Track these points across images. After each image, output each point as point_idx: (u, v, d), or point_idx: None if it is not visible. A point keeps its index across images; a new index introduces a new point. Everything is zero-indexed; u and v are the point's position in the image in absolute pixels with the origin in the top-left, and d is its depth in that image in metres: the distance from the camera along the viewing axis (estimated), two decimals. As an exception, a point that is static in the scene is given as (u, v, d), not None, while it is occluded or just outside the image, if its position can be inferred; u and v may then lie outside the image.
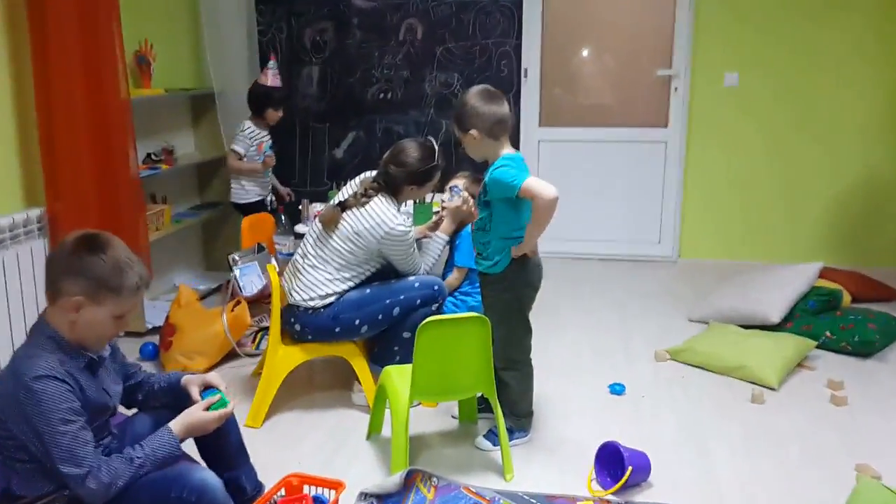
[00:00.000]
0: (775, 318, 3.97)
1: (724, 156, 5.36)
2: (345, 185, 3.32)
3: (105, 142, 3.63)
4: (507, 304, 2.87)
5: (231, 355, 3.78)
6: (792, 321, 3.98)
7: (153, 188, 4.48)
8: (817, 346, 3.78)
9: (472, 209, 3.35)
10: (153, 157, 4.39)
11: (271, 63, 4.56)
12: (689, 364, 3.75)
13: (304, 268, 3.16)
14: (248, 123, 4.49)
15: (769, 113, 5.27)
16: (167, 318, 3.74)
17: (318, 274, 3.12)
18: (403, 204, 3.28)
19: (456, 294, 3.42)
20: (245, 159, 4.47)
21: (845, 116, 5.18)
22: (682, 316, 4.45)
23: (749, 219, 5.43)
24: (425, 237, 3.49)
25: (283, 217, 4.19)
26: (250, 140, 4.49)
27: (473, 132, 2.73)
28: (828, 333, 3.84)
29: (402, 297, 3.15)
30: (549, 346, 3.93)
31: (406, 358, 3.35)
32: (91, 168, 3.59)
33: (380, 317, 3.14)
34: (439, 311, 3.22)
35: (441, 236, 3.37)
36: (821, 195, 5.32)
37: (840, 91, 5.16)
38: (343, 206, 3.14)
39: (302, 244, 3.26)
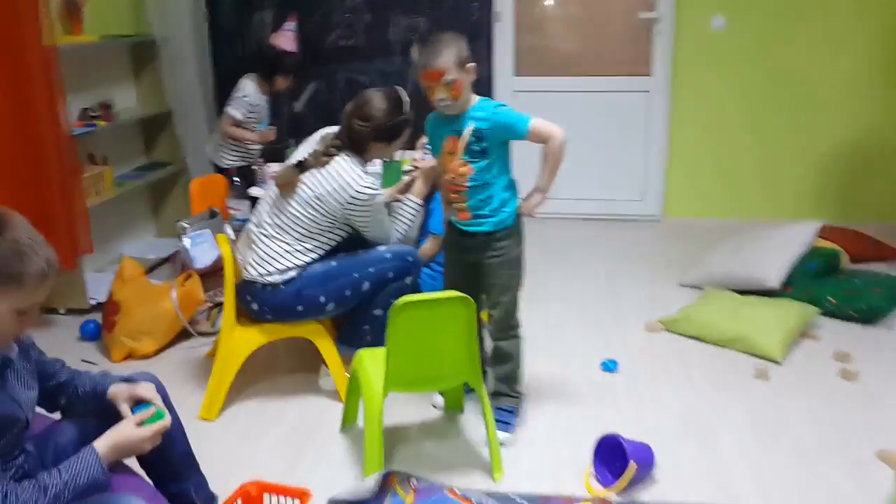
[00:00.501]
0: (774, 282, 3.70)
1: (709, 107, 5.03)
2: (303, 142, 2.92)
3: (26, 96, 3.18)
4: (518, 262, 2.67)
5: (183, 335, 3.40)
6: (791, 286, 3.71)
7: (90, 148, 4.02)
8: (820, 313, 3.51)
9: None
10: (89, 112, 3.93)
11: (290, 24, 4.12)
12: (684, 335, 3.47)
13: (259, 238, 2.78)
14: (249, 87, 4.11)
15: (757, 61, 4.93)
16: (110, 295, 3.33)
17: (276, 245, 2.75)
18: (370, 163, 2.90)
19: (432, 265, 3.06)
20: (240, 125, 4.14)
21: (836, 68, 4.86)
22: (672, 281, 4.16)
23: (736, 174, 5.13)
24: (396, 201, 3.12)
25: (234, 179, 3.76)
26: (252, 106, 4.11)
27: (472, 66, 2.45)
28: (830, 299, 3.57)
29: (371, 269, 2.79)
30: (532, 319, 3.59)
31: (378, 338, 3.00)
32: (8, 126, 3.14)
33: (347, 293, 2.78)
34: (414, 286, 2.87)
35: (414, 200, 3.00)
36: (811, 149, 5.03)
37: (831, 41, 4.83)
38: (301, 166, 2.75)
39: (256, 211, 2.88)
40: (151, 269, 4.23)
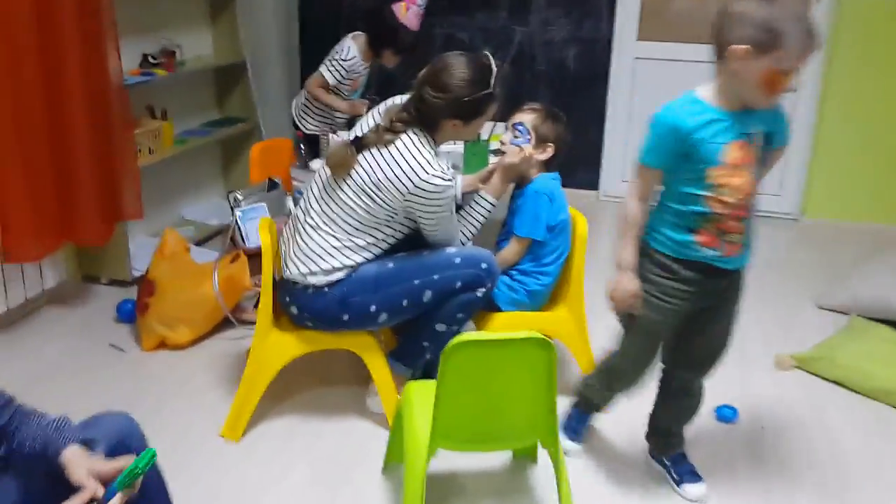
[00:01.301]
0: (947, 319, 2.94)
1: (865, 96, 4.17)
2: (367, 113, 2.40)
3: (69, 36, 2.78)
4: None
5: (225, 323, 2.98)
6: (969, 326, 2.95)
7: (150, 99, 3.63)
8: None
9: (532, 158, 2.43)
10: (150, 59, 3.53)
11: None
12: (823, 378, 2.78)
13: (304, 229, 2.29)
14: (353, 49, 3.60)
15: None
16: (146, 272, 2.94)
17: (322, 239, 2.25)
18: (443, 145, 2.35)
19: (512, 273, 2.50)
20: (332, 91, 3.65)
21: None
22: (808, 299, 3.44)
23: (892, 174, 4.28)
24: (474, 191, 2.56)
25: (301, 146, 3.28)
26: (348, 70, 3.61)
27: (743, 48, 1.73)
28: None
29: (436, 276, 2.26)
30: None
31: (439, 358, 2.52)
32: (42, 72, 2.75)
33: (405, 302, 2.27)
34: (487, 299, 2.33)
35: (487, 199, 2.44)
36: None
37: None
38: (359, 144, 2.23)
39: (305, 195, 2.38)
40: (210, 237, 3.84)
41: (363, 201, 2.20)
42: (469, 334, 1.70)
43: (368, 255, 2.28)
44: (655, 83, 4.47)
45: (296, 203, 3.07)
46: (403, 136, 2.21)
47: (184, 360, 2.78)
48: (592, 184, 4.72)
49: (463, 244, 2.41)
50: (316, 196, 2.30)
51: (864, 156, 4.24)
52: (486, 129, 3.01)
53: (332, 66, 3.56)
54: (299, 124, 3.70)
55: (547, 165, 2.49)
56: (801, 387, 2.74)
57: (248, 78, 4.11)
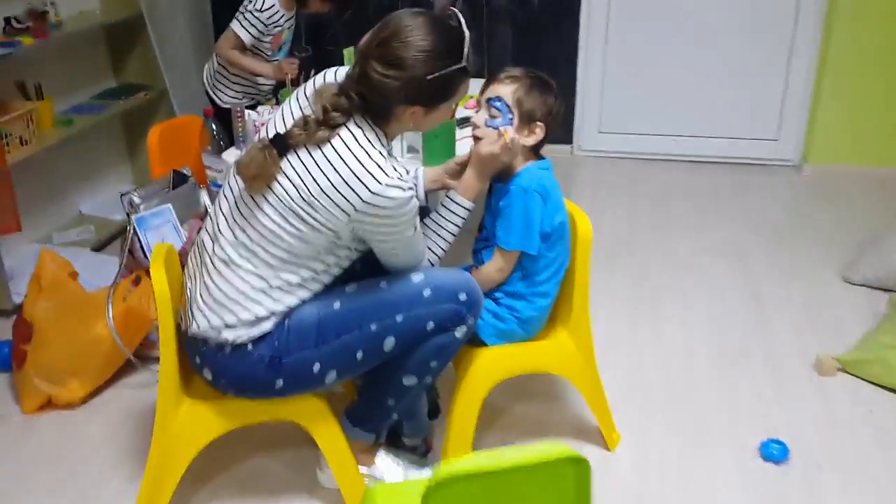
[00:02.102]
0: None
1: (883, 9, 3.59)
2: (291, 95, 1.74)
3: None
4: None
5: (130, 367, 2.34)
6: None
7: (17, 73, 2.88)
8: None
9: (516, 144, 1.80)
10: (15, 23, 2.78)
11: None
12: (874, 384, 2.29)
13: (212, 264, 1.66)
14: None
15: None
16: (20, 310, 2.27)
17: (240, 278, 1.62)
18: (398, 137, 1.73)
19: (498, 296, 1.90)
20: (249, 52, 2.94)
21: None
22: (832, 271, 2.95)
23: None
24: (443, 188, 1.95)
25: (213, 126, 2.58)
26: (266, 23, 2.88)
27: None
28: None
29: (399, 317, 1.66)
30: (635, 342, 2.49)
31: (409, 419, 1.95)
32: None
33: (359, 355, 1.67)
34: (466, 340, 1.75)
35: (460, 202, 1.83)
36: None
37: None
38: (281, 144, 1.59)
39: (211, 214, 1.74)
40: (115, 237, 3.14)
41: (292, 225, 1.58)
42: (457, 468, 1.11)
43: (305, 295, 1.66)
44: (635, 19, 3.84)
45: (213, 200, 2.43)
46: (343, 132, 1.57)
47: (77, 425, 2.15)
48: (565, 138, 4.11)
49: (432, 264, 1.81)
50: (226, 216, 1.66)
51: (876, 90, 3.69)
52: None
53: (246, 19, 2.84)
54: (213, 96, 3.00)
55: (535, 150, 1.88)
56: (855, 400, 2.24)
57: (147, 35, 3.36)
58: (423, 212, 1.86)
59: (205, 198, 2.53)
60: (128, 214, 2.37)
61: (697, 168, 3.97)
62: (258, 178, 1.58)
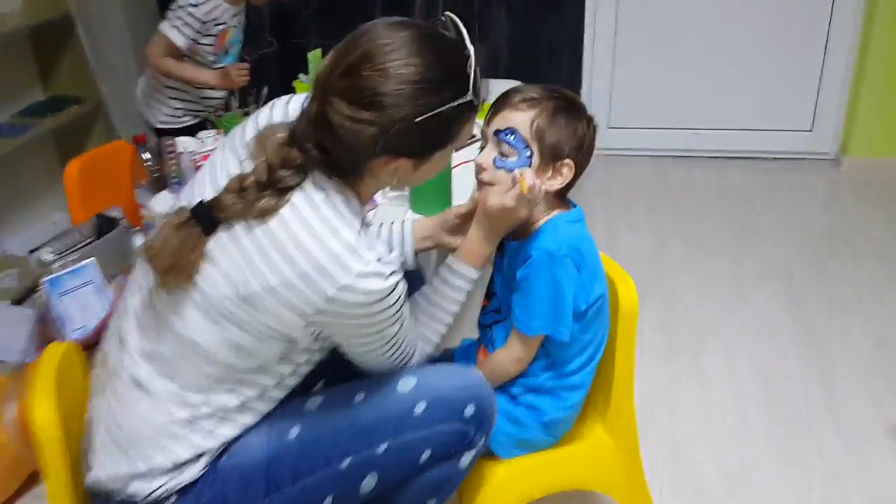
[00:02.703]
0: None
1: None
2: (227, 138, 1.25)
3: None
4: None
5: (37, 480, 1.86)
6: None
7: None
8: None
9: (538, 191, 1.31)
10: None
11: None
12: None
13: (120, 380, 1.18)
14: None
15: None
16: None
17: (152, 404, 1.15)
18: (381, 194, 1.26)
19: (515, 391, 1.42)
20: (187, 59, 2.43)
21: None
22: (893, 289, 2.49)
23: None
24: (439, 248, 1.48)
25: (145, 152, 2.06)
26: (203, 20, 2.36)
27: None
28: None
29: (383, 446, 1.19)
30: (673, 406, 2.03)
31: None
32: None
33: (328, 501, 1.20)
34: (473, 466, 1.28)
35: (462, 271, 1.34)
36: None
37: None
38: (208, 216, 1.10)
39: (120, 310, 1.25)
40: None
41: (226, 333, 1.10)
42: None
43: (249, 421, 1.19)
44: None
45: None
46: (296, 199, 1.09)
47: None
48: (570, 133, 3.61)
49: (422, 359, 1.33)
50: (137, 315, 1.18)
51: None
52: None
53: (179, 18, 2.33)
54: (147, 117, 2.49)
55: (561, 195, 1.40)
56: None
57: (79, 38, 2.84)
58: (412, 278, 1.39)
59: (136, 241, 2.05)
60: (37, 275, 1.88)
61: (722, 165, 3.50)
62: (174, 269, 1.10)
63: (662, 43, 3.40)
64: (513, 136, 1.31)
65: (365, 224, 1.15)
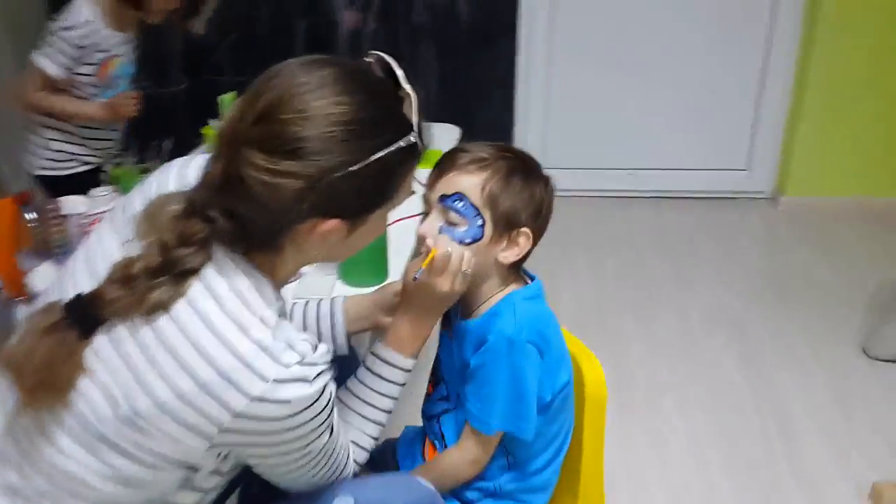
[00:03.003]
0: None
1: (872, 31, 3.08)
2: (112, 211, 1.01)
3: None
4: None
5: None
6: None
7: None
8: None
9: (490, 266, 1.14)
10: None
11: None
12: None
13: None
14: (84, 6, 2.04)
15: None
16: None
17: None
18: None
19: (471, 497, 1.21)
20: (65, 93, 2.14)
21: None
22: (848, 342, 2.41)
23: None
24: (374, 328, 1.26)
25: (30, 212, 1.77)
26: (79, 45, 2.06)
27: None
28: None
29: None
30: (633, 474, 1.86)
31: None
32: None
33: None
34: None
35: (396, 362, 1.13)
36: None
37: None
38: (85, 315, 0.87)
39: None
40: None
41: (106, 463, 0.87)
42: None
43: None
44: (583, 36, 3.24)
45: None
46: (194, 290, 0.87)
47: None
48: (504, 174, 3.46)
49: (357, 467, 1.11)
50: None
51: (858, 113, 3.19)
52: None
53: (51, 45, 2.04)
54: (43, 172, 2.20)
55: (516, 267, 1.21)
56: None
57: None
58: (345, 363, 1.17)
59: (22, 316, 1.76)
60: None
61: (660, 205, 3.40)
62: (43, 387, 0.86)
63: (597, 81, 3.30)
64: (461, 203, 1.12)
65: (282, 315, 0.94)
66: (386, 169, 0.90)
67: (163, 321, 0.85)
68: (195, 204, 0.89)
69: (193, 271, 0.88)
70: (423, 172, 1.06)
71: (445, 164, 1.15)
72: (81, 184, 1.99)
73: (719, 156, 3.40)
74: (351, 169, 0.86)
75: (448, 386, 1.27)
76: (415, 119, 0.94)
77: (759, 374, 2.26)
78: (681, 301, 2.65)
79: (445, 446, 1.23)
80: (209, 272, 0.88)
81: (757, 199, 3.43)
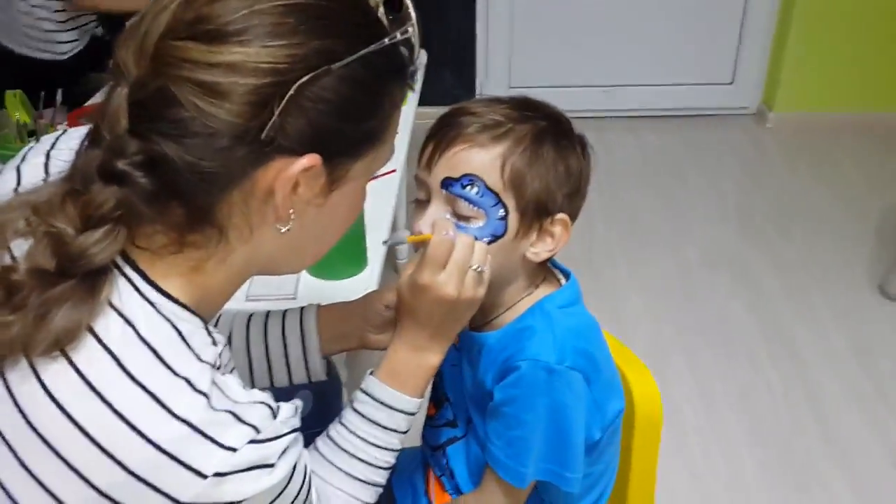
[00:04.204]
0: None
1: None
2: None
3: None
4: None
5: None
6: None
7: None
8: None
9: (515, 264, 0.84)
10: None
11: None
12: None
13: None
14: None
15: None
16: None
17: None
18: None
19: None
20: None
21: None
22: (862, 281, 2.21)
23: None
24: (360, 347, 0.95)
25: None
26: None
27: None
28: None
29: None
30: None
31: None
32: None
33: None
34: None
35: (397, 403, 0.81)
36: None
37: None
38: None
39: None
40: None
41: None
42: None
43: None
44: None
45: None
46: (110, 320, 0.56)
47: None
48: (466, 98, 3.11)
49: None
50: None
51: (849, 23, 2.90)
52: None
53: None
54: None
55: (543, 264, 0.91)
56: None
57: None
58: (322, 392, 0.86)
59: None
60: None
61: (637, 125, 3.10)
62: None
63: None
64: (474, 189, 0.80)
65: (220, 361, 0.62)
66: (374, 82, 0.61)
67: (48, 379, 0.54)
68: (92, 166, 0.56)
69: (103, 273, 0.56)
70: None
71: (444, 132, 0.83)
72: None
73: (701, 69, 3.10)
74: (335, 67, 0.57)
75: (454, 408, 0.98)
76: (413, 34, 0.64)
77: (773, 328, 2.03)
78: (675, 239, 2.40)
79: (457, 486, 0.95)
80: (121, 281, 0.57)
81: (742, 115, 3.16)
